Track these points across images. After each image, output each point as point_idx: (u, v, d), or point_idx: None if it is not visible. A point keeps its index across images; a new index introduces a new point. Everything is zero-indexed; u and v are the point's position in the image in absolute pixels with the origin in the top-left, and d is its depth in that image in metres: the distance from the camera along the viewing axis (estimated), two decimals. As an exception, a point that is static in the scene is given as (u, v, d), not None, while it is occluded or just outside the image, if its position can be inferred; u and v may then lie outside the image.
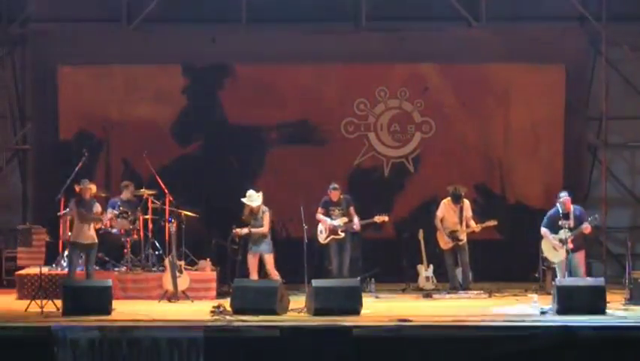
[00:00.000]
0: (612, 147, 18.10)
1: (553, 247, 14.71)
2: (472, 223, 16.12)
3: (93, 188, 15.00)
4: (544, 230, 14.79)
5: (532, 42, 17.75)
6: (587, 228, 14.63)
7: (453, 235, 16.04)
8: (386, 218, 16.27)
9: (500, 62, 17.95)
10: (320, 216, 16.00)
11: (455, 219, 16.09)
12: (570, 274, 14.48)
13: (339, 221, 15.97)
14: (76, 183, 15.16)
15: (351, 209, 16.07)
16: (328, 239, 15.95)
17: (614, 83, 17.95)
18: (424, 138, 18.03)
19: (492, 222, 16.26)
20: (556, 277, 14.78)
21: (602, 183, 17.93)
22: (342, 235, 15.98)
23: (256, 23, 18.05)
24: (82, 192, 14.85)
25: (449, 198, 16.21)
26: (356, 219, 16.00)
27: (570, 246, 14.51)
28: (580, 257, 14.85)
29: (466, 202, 16.23)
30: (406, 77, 18.05)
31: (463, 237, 16.05)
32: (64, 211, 15.37)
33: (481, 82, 17.97)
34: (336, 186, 16.17)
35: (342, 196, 16.18)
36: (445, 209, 16.17)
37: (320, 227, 15.96)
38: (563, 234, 14.50)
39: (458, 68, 17.97)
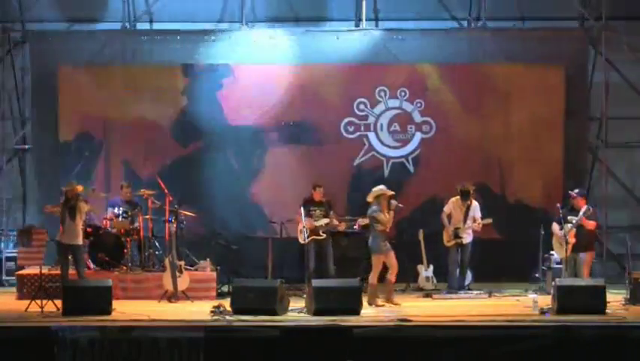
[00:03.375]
0: (612, 147, 18.11)
1: (559, 242, 14.82)
2: (475, 224, 16.06)
3: (79, 188, 14.85)
4: (553, 224, 15.02)
5: (532, 42, 17.76)
6: (582, 219, 14.67)
7: (455, 233, 16.00)
8: (367, 221, 16.25)
9: (500, 62, 17.96)
10: (299, 217, 15.95)
11: (460, 216, 16.03)
12: (575, 273, 14.51)
13: (322, 222, 15.96)
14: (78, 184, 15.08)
15: (332, 212, 16.15)
16: (309, 239, 15.92)
17: (614, 83, 17.96)
18: (424, 138, 18.03)
19: (487, 220, 16.20)
20: (557, 277, 14.81)
21: (602, 183, 17.94)
22: (324, 235, 15.97)
23: (256, 23, 18.07)
24: (67, 193, 14.69)
25: (458, 196, 16.16)
26: (335, 222, 16.05)
27: (572, 240, 14.56)
28: (586, 257, 14.93)
29: (475, 203, 16.15)
30: (406, 77, 18.05)
31: (465, 236, 15.99)
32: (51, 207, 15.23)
33: (481, 82, 17.97)
34: (320, 185, 16.19)
35: (324, 199, 16.20)
36: (453, 206, 16.11)
37: (300, 227, 15.92)
38: (567, 228, 14.58)
39: (458, 68, 17.98)
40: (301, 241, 15.83)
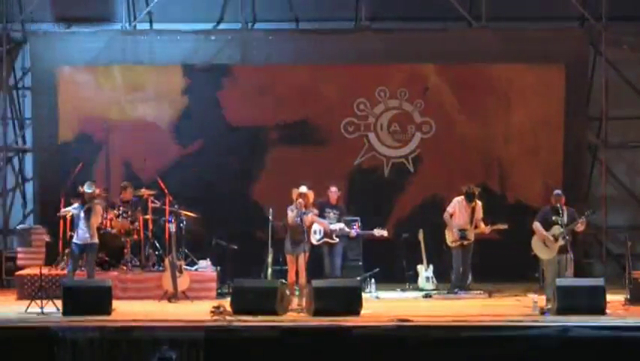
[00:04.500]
0: (612, 147, 18.11)
1: (543, 243, 14.56)
2: (482, 225, 16.06)
3: (97, 191, 14.88)
4: (536, 224, 14.62)
5: (532, 42, 17.75)
6: (582, 223, 14.50)
7: (462, 234, 16.00)
8: (385, 233, 16.15)
9: (500, 62, 17.97)
10: (316, 217, 15.85)
11: (466, 218, 16.03)
12: (558, 275, 14.35)
13: (337, 226, 15.88)
14: (80, 185, 15.06)
15: (343, 218, 16.01)
16: (321, 241, 15.84)
17: (614, 83, 17.96)
18: (424, 138, 18.03)
19: (502, 225, 16.18)
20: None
21: (602, 183, 17.94)
22: (337, 240, 15.90)
23: (256, 23, 18.07)
24: (85, 195, 14.72)
25: (463, 196, 16.14)
26: (347, 228, 15.92)
27: (562, 243, 14.37)
28: (569, 258, 14.76)
29: (479, 204, 16.16)
30: (406, 77, 18.05)
31: (471, 237, 16.02)
32: (66, 210, 15.27)
33: (481, 82, 17.98)
34: (336, 188, 16.12)
35: (340, 202, 16.12)
36: (458, 207, 16.10)
37: (315, 227, 15.73)
38: (557, 230, 14.41)
39: (458, 68, 17.98)
40: (314, 242, 15.68)
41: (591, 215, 14.90)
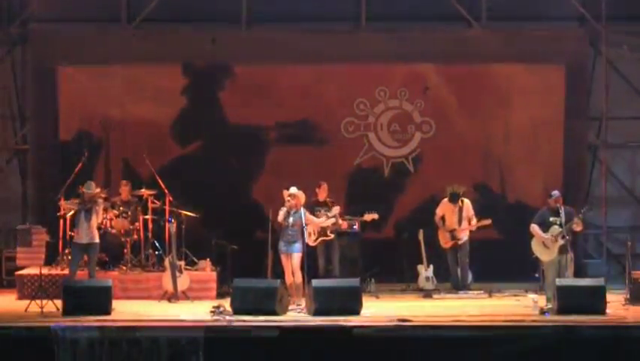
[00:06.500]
0: (612, 147, 18.12)
1: (543, 245, 14.52)
2: (471, 222, 16.11)
3: (97, 191, 14.89)
4: (534, 226, 14.58)
5: (532, 42, 17.76)
6: (577, 223, 14.46)
7: (452, 234, 16.06)
8: (376, 216, 16.05)
9: (500, 62, 17.96)
10: (309, 216, 15.73)
11: (454, 218, 16.11)
12: (559, 275, 14.33)
13: (329, 222, 15.80)
14: (80, 185, 15.06)
15: (336, 209, 15.86)
16: (317, 241, 15.80)
17: (614, 83, 17.97)
18: (424, 138, 18.04)
19: (486, 221, 16.19)
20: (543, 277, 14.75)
21: (602, 183, 17.94)
22: (332, 235, 15.86)
23: (256, 23, 18.08)
24: (85, 194, 14.74)
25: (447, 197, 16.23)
26: (340, 221, 15.79)
27: (562, 242, 14.35)
28: (570, 258, 14.74)
29: (467, 202, 16.22)
30: (405, 77, 18.05)
31: (462, 236, 16.05)
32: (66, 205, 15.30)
33: (481, 82, 17.98)
34: (323, 184, 16.01)
35: (328, 199, 16.05)
36: (445, 208, 16.19)
37: (308, 229, 15.41)
38: (556, 230, 14.38)
39: (458, 68, 17.97)
40: (310, 243, 15.59)
41: (588, 212, 14.90)
